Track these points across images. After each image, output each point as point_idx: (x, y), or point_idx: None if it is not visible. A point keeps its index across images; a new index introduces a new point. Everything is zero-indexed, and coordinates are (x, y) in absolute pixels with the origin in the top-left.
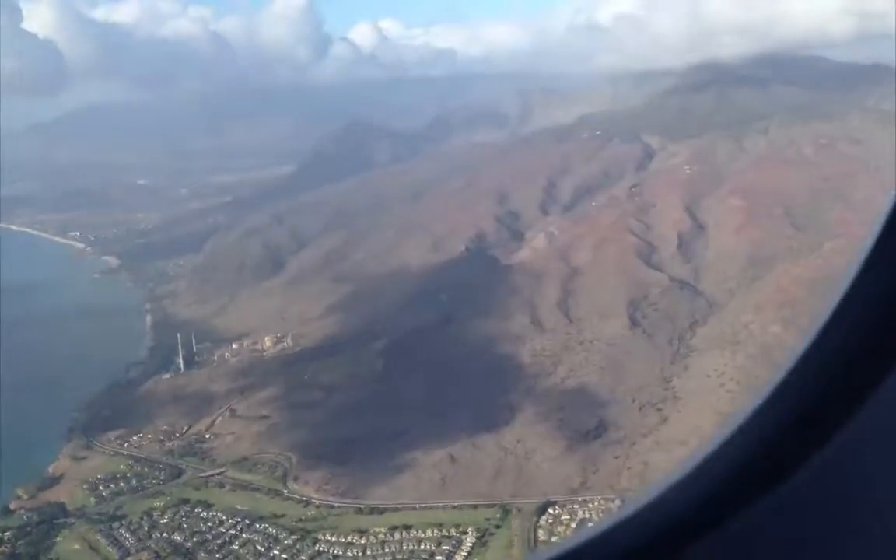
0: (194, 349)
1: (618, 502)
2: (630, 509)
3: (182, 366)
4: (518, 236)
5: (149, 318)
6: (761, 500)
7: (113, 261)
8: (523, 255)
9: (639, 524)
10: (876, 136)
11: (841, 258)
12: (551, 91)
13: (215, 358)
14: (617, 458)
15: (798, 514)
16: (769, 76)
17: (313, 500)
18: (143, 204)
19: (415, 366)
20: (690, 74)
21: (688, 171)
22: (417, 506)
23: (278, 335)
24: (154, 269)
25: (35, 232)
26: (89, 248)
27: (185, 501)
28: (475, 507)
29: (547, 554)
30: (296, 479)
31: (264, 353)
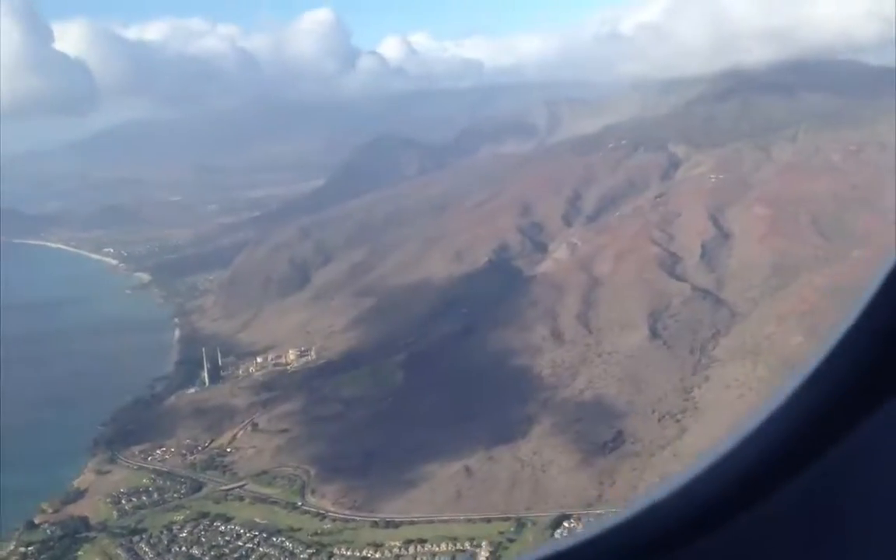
0: (219, 363)
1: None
2: (638, 507)
3: (207, 380)
4: (541, 247)
5: (177, 333)
6: (761, 503)
7: (145, 276)
8: (546, 266)
9: (642, 522)
10: None
11: (868, 267)
12: (578, 101)
13: (240, 372)
14: (634, 470)
15: (798, 516)
16: (796, 82)
17: (330, 514)
18: (174, 220)
19: (435, 378)
20: (716, 82)
21: (713, 180)
22: (433, 519)
23: (302, 349)
24: (184, 284)
25: (70, 248)
26: (122, 264)
27: (205, 515)
28: (489, 520)
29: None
30: (313, 492)
31: (288, 367)
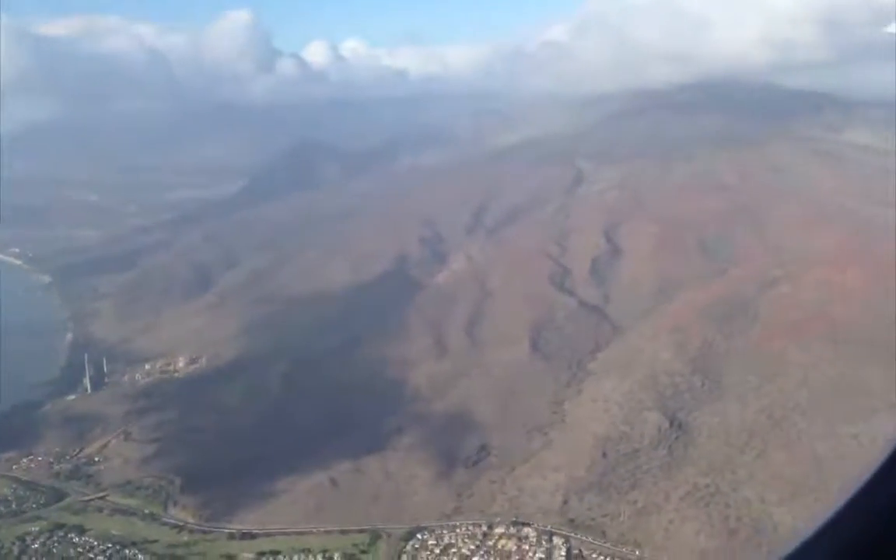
0: (105, 370)
1: (485, 528)
2: None
3: (89, 387)
4: (441, 258)
5: (69, 337)
6: None
7: (46, 278)
8: (441, 277)
9: None
10: (799, 165)
11: (742, 285)
12: (498, 112)
13: (125, 379)
14: (493, 482)
15: None
16: (699, 103)
17: (189, 525)
18: (88, 220)
19: (314, 388)
20: (627, 100)
21: (611, 197)
22: (289, 531)
23: (192, 356)
24: (85, 286)
25: None
26: (25, 264)
27: (61, 526)
28: (345, 532)
29: None
30: (175, 503)
31: (175, 375)
